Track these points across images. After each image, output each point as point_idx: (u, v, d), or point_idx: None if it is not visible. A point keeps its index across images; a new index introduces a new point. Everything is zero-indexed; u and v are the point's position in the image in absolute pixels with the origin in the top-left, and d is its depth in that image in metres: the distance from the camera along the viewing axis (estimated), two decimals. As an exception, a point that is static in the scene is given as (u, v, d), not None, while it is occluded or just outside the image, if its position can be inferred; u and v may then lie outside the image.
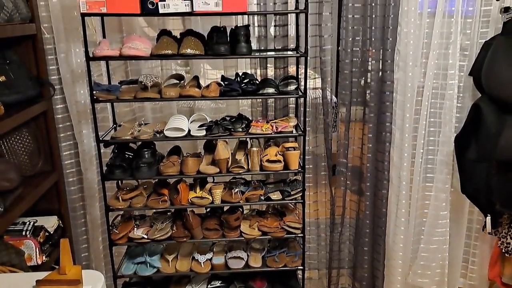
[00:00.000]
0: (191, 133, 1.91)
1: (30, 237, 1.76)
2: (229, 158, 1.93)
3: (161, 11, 1.68)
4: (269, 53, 2.18)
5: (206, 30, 1.89)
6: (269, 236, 2.04)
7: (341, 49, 2.21)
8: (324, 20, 2.15)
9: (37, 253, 1.74)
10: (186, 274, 2.10)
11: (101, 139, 1.89)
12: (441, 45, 2.12)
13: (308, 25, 1.88)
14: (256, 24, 2.18)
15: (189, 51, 1.76)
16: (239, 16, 2.13)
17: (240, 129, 1.91)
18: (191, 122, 2.01)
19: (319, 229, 2.49)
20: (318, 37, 2.19)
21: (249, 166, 1.97)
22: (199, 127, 1.92)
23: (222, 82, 1.94)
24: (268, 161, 1.95)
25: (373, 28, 2.16)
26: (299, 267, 2.11)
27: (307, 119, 2.02)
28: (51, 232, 1.91)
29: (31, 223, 1.82)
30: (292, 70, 2.26)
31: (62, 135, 2.13)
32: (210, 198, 1.97)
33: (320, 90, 2.29)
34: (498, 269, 2.25)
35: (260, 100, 2.29)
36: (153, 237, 1.96)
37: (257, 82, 1.94)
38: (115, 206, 1.94)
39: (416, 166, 2.25)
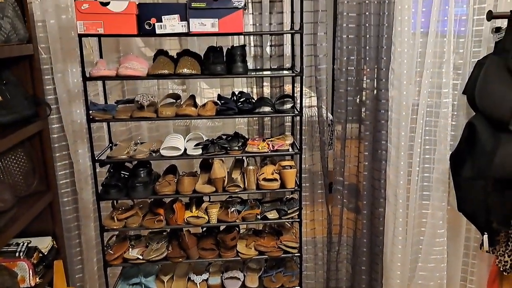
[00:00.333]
0: (187, 152, 1.91)
1: (24, 259, 1.73)
2: (225, 177, 1.93)
3: (158, 31, 1.70)
4: (265, 72, 2.20)
5: (202, 50, 1.92)
6: (266, 256, 2.02)
7: (336, 68, 2.24)
8: (319, 40, 2.19)
9: (31, 274, 1.71)
10: (181, 295, 2.07)
11: (96, 158, 1.88)
12: (435, 64, 2.15)
13: (304, 45, 1.91)
14: (252, 44, 2.20)
15: (185, 70, 1.77)
16: (236, 36, 2.15)
17: (237, 148, 1.91)
18: (187, 141, 2.01)
19: (316, 248, 2.47)
20: (313, 57, 2.22)
21: (246, 185, 1.96)
22: (195, 146, 1.92)
23: (218, 101, 1.95)
24: (265, 179, 1.95)
25: (367, 47, 2.19)
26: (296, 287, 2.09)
27: (303, 137, 2.03)
28: (45, 253, 1.87)
29: (25, 244, 1.79)
30: (288, 88, 2.28)
31: (57, 154, 2.13)
32: (206, 217, 1.96)
33: (316, 108, 2.31)
34: (496, 287, 2.24)
35: (257, 118, 2.30)
36: (148, 257, 1.94)
37: (253, 101, 1.95)
38: (110, 226, 1.92)
39: (412, 184, 2.26)
